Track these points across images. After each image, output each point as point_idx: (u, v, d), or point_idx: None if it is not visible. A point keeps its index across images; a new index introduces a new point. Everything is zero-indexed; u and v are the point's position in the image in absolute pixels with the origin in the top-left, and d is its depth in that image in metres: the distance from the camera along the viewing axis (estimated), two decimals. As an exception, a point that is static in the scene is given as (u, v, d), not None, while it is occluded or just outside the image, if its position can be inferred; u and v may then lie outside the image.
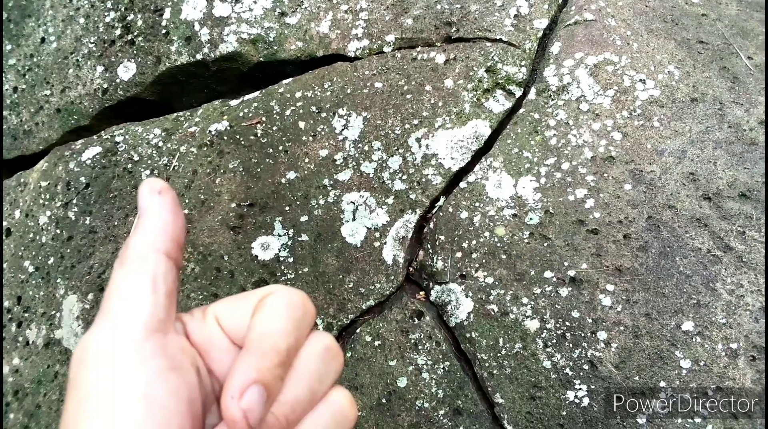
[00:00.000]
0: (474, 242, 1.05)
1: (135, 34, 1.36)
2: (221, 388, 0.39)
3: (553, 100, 1.10)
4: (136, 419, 0.34)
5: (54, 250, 1.29)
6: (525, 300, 1.00)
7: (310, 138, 1.17)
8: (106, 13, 1.41)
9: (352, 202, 1.11)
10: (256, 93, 1.27)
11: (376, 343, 1.05)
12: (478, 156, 1.10)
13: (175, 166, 1.23)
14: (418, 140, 1.12)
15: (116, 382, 0.34)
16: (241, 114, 1.23)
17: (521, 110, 1.11)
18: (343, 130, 1.16)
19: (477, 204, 1.06)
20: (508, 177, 1.06)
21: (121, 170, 1.27)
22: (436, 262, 1.06)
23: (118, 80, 1.36)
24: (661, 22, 1.15)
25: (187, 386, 0.37)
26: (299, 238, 1.12)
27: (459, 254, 1.05)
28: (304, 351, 0.41)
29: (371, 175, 1.12)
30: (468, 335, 1.02)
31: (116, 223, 1.24)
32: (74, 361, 0.36)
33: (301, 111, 1.19)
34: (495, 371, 0.99)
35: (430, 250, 1.07)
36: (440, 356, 1.02)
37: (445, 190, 1.10)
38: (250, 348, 0.38)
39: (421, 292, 1.08)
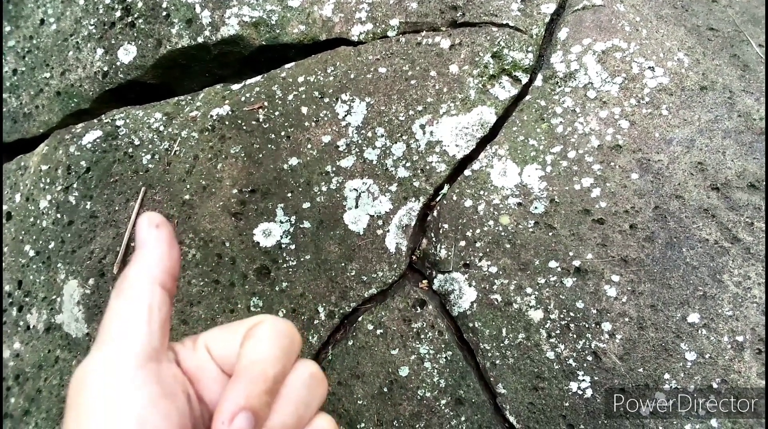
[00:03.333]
0: (478, 231, 1.03)
1: (135, 16, 1.34)
2: (211, 414, 0.42)
3: (560, 87, 1.08)
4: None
5: (55, 235, 1.28)
6: (529, 290, 0.99)
7: (313, 123, 1.15)
8: (106, -5, 1.39)
9: (354, 189, 1.10)
10: (258, 77, 1.25)
11: (378, 331, 1.04)
12: (483, 143, 1.09)
13: (176, 150, 1.21)
14: (422, 127, 1.10)
15: (112, 407, 0.36)
16: (243, 98, 1.21)
17: (527, 97, 1.09)
18: (346, 115, 1.14)
19: (481, 192, 1.05)
20: (514, 165, 1.05)
21: (122, 154, 1.26)
22: (440, 251, 1.05)
23: (118, 63, 1.34)
24: (670, 8, 1.13)
25: (178, 413, 0.39)
26: (301, 225, 1.11)
27: (463, 243, 1.04)
28: (291, 378, 0.43)
29: (374, 162, 1.11)
30: (471, 325, 1.01)
31: (117, 208, 1.22)
32: (73, 385, 0.38)
33: (303, 96, 1.17)
34: (498, 361, 0.98)
35: (434, 239, 1.06)
36: (443, 346, 1.01)
37: (450, 178, 1.08)
38: (240, 375, 0.40)
39: (424, 281, 1.07)
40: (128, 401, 0.37)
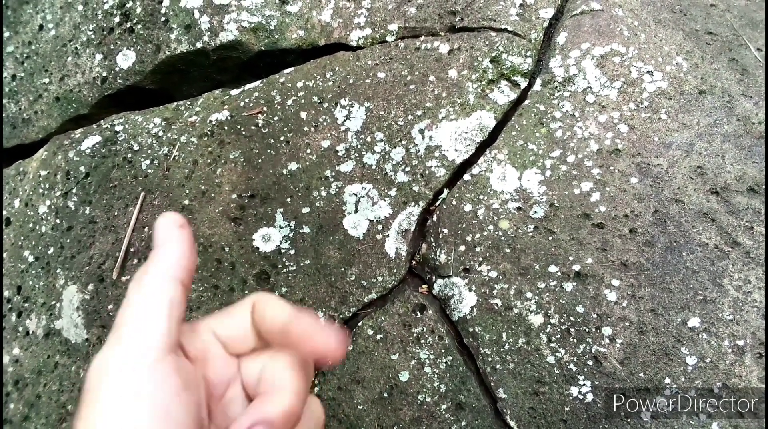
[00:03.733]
0: (478, 235, 1.03)
1: (134, 21, 1.34)
2: (213, 393, 0.44)
3: (558, 91, 1.08)
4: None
5: (54, 240, 1.28)
6: (529, 294, 0.99)
7: (312, 128, 1.15)
8: (104, 0, 1.39)
9: (354, 193, 1.10)
10: (257, 82, 1.25)
11: (378, 336, 1.04)
12: (482, 148, 1.09)
13: (175, 156, 1.21)
14: (421, 132, 1.10)
15: (137, 400, 0.37)
16: (242, 104, 1.21)
17: (526, 102, 1.09)
18: (345, 120, 1.14)
19: (481, 197, 1.05)
20: (513, 169, 1.05)
21: (121, 160, 1.26)
22: (440, 256, 1.05)
23: (117, 68, 1.34)
24: (669, 12, 1.13)
25: (197, 403, 0.41)
26: (301, 230, 1.10)
27: (462, 247, 1.04)
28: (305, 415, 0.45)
29: (374, 167, 1.11)
30: (471, 329, 1.01)
31: (116, 214, 1.22)
32: (92, 378, 0.39)
33: (302, 101, 1.17)
34: (498, 366, 0.98)
35: (434, 243, 1.06)
36: (443, 350, 1.01)
37: (449, 183, 1.08)
38: (272, 396, 0.42)
39: (424, 286, 1.07)
40: (153, 394, 0.38)
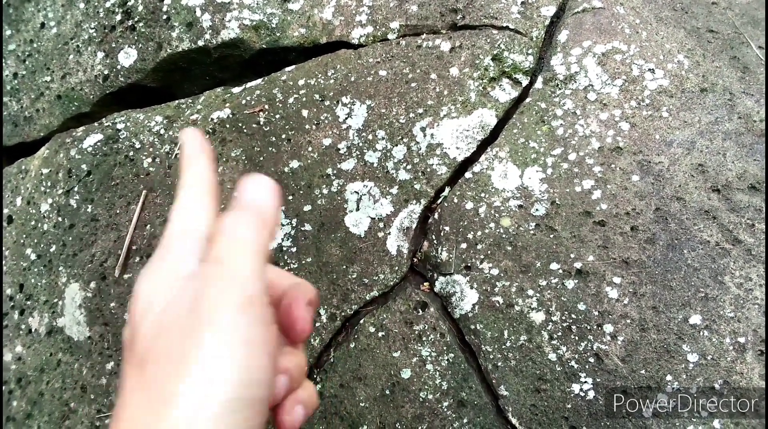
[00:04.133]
0: (479, 233, 1.03)
1: (136, 19, 1.34)
2: None
3: (560, 89, 1.08)
4: (263, 361, 0.40)
5: (56, 238, 1.28)
6: (530, 292, 0.99)
7: (314, 126, 1.15)
8: (106, -2, 1.39)
9: (355, 191, 1.10)
10: (259, 80, 1.25)
11: (380, 334, 1.05)
12: (483, 146, 1.09)
13: (177, 154, 1.21)
14: (422, 129, 1.10)
15: (255, 325, 0.39)
16: (244, 102, 1.21)
17: (528, 99, 1.09)
18: (346, 118, 1.14)
19: (482, 194, 1.05)
20: (514, 167, 1.05)
21: (123, 158, 1.26)
22: (441, 253, 1.05)
23: (119, 66, 1.34)
24: (670, 10, 1.13)
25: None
26: (302, 228, 1.11)
27: (464, 245, 1.04)
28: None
29: (375, 165, 1.11)
30: (472, 327, 1.01)
31: (118, 211, 1.23)
32: (205, 311, 0.39)
33: (304, 99, 1.18)
34: (500, 363, 0.98)
35: (435, 241, 1.06)
36: (444, 348, 1.01)
37: (450, 180, 1.08)
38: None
39: (426, 283, 1.07)
40: (262, 330, 0.40)
